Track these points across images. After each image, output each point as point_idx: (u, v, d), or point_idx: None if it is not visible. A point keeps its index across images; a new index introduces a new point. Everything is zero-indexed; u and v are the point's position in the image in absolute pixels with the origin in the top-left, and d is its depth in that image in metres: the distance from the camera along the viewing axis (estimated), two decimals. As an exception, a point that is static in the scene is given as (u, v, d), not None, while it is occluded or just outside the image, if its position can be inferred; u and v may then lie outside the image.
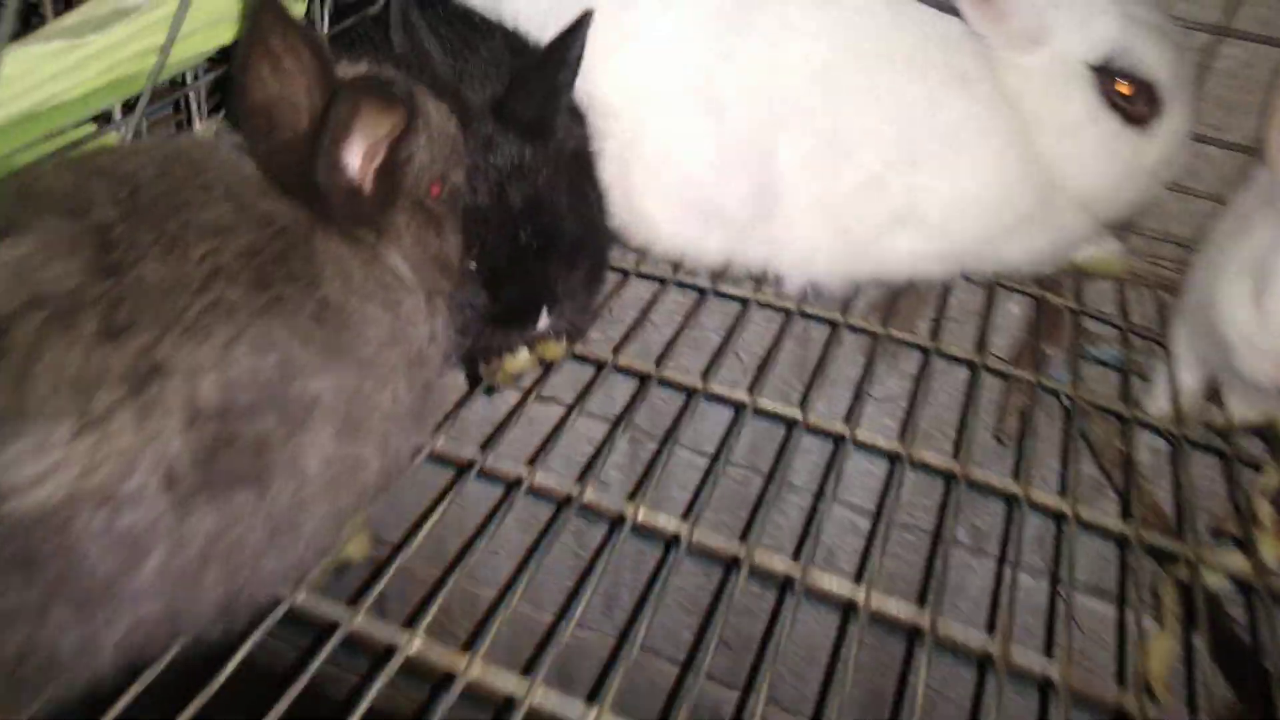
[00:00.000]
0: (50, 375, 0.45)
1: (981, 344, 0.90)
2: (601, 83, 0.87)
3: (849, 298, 0.97)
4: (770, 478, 1.02)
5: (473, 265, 0.74)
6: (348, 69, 0.64)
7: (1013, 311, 1.12)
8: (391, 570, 0.63)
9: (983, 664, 0.84)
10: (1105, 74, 0.87)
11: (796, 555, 0.64)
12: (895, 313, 0.97)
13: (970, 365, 0.88)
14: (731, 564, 0.64)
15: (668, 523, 0.66)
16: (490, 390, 0.83)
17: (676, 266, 0.97)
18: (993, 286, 1.00)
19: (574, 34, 0.75)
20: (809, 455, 1.22)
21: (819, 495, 0.93)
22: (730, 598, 0.61)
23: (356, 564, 0.69)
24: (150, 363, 0.47)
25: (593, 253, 0.83)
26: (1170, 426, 0.86)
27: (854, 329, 0.92)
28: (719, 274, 0.97)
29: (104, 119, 0.68)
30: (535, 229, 0.76)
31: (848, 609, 0.56)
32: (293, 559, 0.59)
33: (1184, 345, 0.89)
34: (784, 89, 0.86)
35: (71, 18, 0.64)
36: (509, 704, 0.54)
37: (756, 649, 1.37)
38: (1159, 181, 0.94)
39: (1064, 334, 0.97)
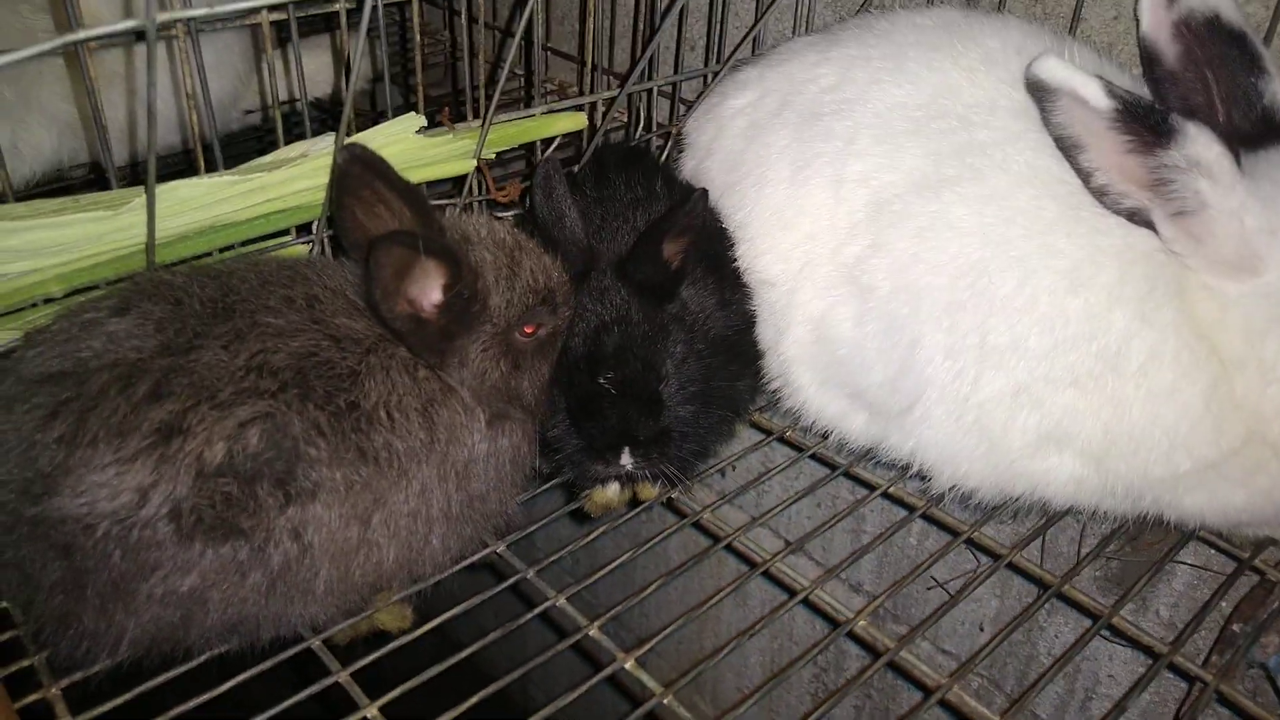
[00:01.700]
0: (100, 419, 0.62)
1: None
2: (764, 254, 0.91)
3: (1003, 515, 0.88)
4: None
5: (561, 399, 0.82)
6: (448, 218, 0.76)
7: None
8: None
9: None
10: (1336, 315, 0.72)
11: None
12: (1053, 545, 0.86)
13: (1152, 654, 0.75)
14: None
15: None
16: (584, 517, 0.90)
17: (825, 436, 0.96)
18: (1158, 560, 0.84)
19: (678, 211, 0.81)
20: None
21: None
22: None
23: (395, 634, 0.78)
24: (177, 424, 0.62)
25: (702, 413, 0.85)
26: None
27: (973, 545, 0.84)
28: (862, 455, 0.94)
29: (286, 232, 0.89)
30: (621, 376, 0.81)
31: None
32: (303, 609, 0.70)
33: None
34: (938, 278, 0.83)
35: (249, 164, 0.85)
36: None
37: None
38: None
39: (1258, 607, 0.79)
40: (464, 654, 0.73)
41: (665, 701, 0.70)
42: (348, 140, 0.79)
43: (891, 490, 0.92)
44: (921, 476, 0.90)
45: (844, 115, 0.89)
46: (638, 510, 0.89)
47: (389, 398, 0.70)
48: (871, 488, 0.92)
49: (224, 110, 1.32)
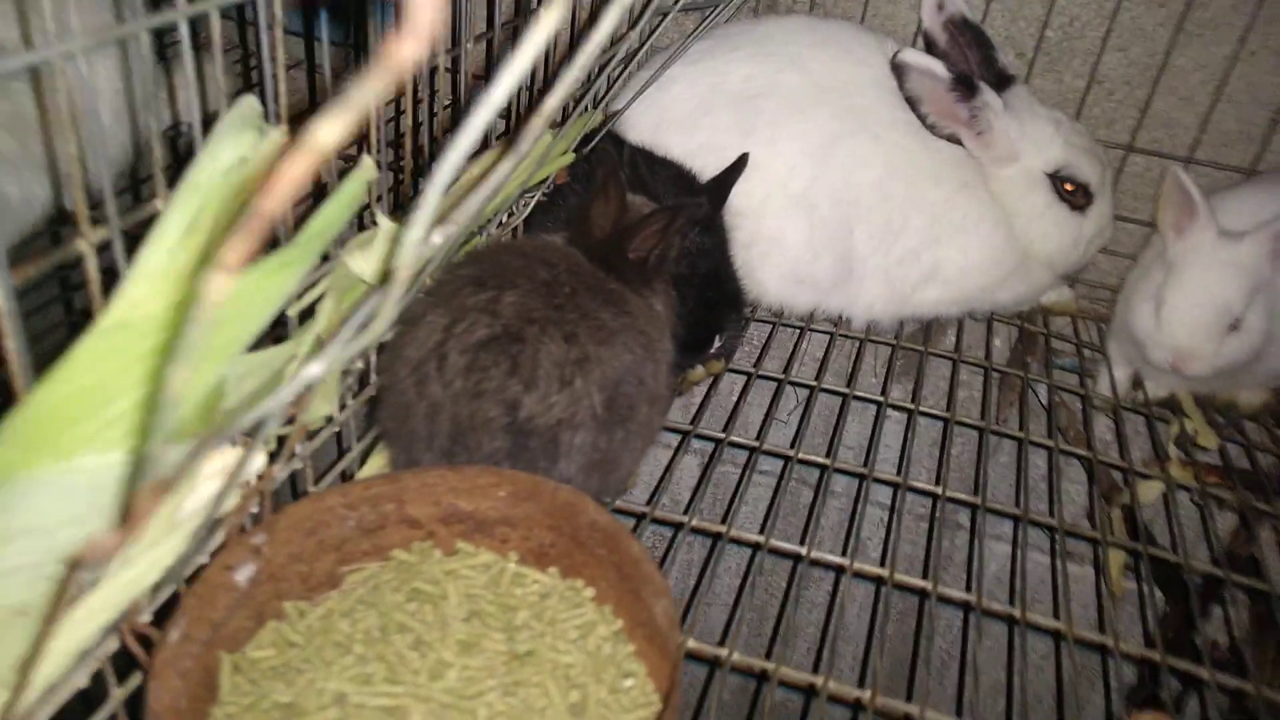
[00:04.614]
0: (546, 359, 0.89)
1: (988, 355, 1.37)
2: (737, 195, 1.34)
3: (899, 330, 1.44)
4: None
5: (680, 310, 1.19)
6: (634, 199, 1.10)
7: (1000, 338, 1.60)
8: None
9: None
10: (1057, 179, 1.36)
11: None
12: (929, 338, 1.44)
13: (984, 369, 1.35)
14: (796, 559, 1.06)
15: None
16: (678, 394, 1.28)
17: (779, 314, 1.44)
18: (990, 321, 1.48)
19: (738, 167, 1.22)
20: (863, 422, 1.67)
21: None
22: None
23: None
24: (586, 354, 0.91)
25: (738, 301, 1.28)
26: (1112, 404, 1.33)
27: (904, 348, 1.39)
28: (808, 318, 1.44)
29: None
30: (711, 288, 1.21)
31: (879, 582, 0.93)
32: (624, 472, 1.02)
33: (1116, 351, 1.37)
34: (857, 194, 1.33)
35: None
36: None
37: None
38: (1095, 248, 1.43)
39: (1039, 351, 1.45)
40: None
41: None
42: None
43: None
44: (842, 320, 1.42)
45: (766, 96, 1.35)
46: (715, 381, 1.30)
47: (642, 316, 1.02)
48: (830, 335, 1.42)
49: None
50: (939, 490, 1.06)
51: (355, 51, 1.54)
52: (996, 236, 1.36)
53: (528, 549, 0.83)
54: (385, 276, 0.46)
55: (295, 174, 0.26)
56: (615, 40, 1.19)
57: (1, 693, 0.50)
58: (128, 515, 0.35)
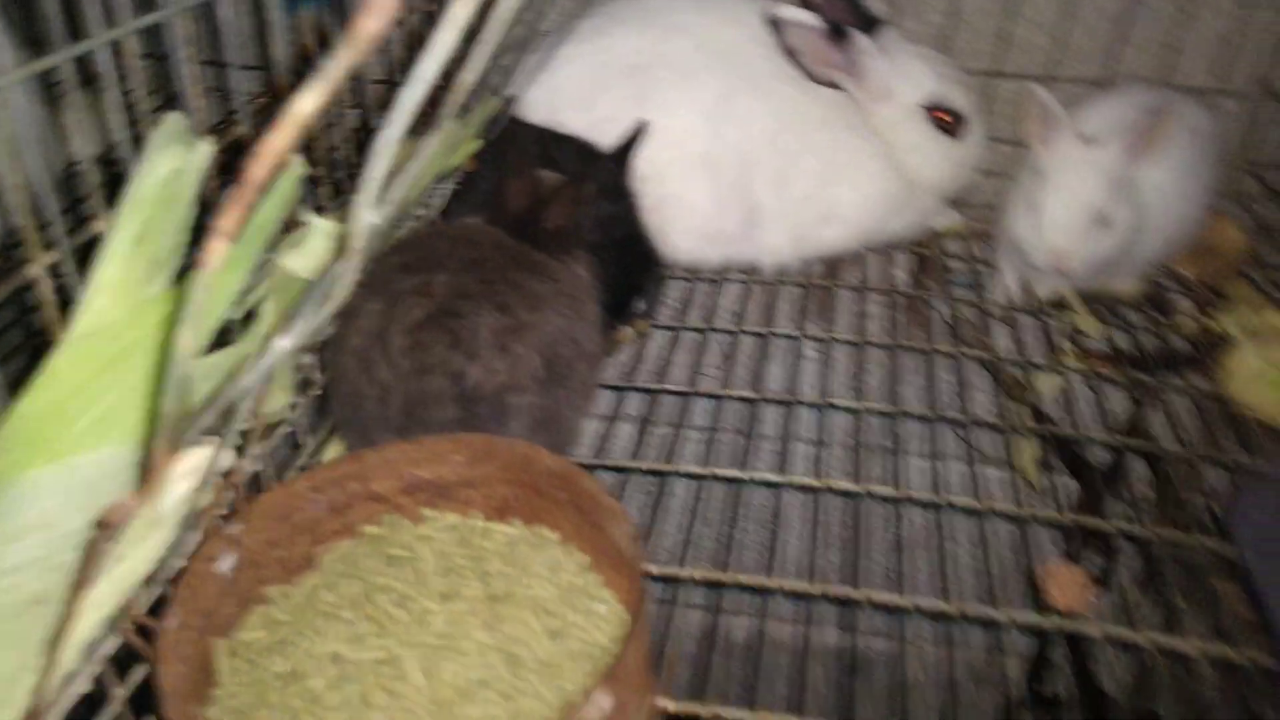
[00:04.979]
0: (484, 329, 0.95)
1: (886, 280, 1.47)
2: (639, 161, 1.41)
3: (807, 270, 1.53)
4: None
5: (601, 275, 1.26)
6: (544, 175, 1.16)
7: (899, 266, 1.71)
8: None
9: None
10: (931, 110, 1.46)
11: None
12: (836, 272, 1.53)
13: (888, 293, 1.45)
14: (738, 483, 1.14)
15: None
16: (610, 354, 1.35)
17: (693, 271, 1.52)
18: (889, 251, 1.58)
19: (637, 134, 1.29)
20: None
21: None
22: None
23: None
24: (521, 322, 0.97)
25: (654, 263, 1.36)
26: (1005, 307, 1.45)
27: (814, 286, 1.48)
28: (721, 271, 1.52)
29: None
30: (626, 253, 1.28)
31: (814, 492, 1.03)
32: (569, 429, 1.08)
33: (1005, 261, 1.48)
34: (753, 148, 1.41)
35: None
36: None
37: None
38: (974, 170, 1.54)
39: (936, 272, 1.55)
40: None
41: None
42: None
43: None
44: (758, 270, 1.51)
45: (655, 65, 1.41)
46: (639, 338, 1.37)
47: (566, 282, 1.09)
48: (744, 284, 1.50)
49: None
50: (859, 406, 1.15)
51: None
52: (883, 170, 1.45)
53: (490, 505, 0.90)
54: (341, 250, 0.52)
55: (280, 143, 0.32)
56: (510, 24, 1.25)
57: (29, 676, 0.55)
58: (146, 473, 0.40)
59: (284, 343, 0.54)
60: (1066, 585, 0.91)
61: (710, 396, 1.20)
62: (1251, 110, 1.60)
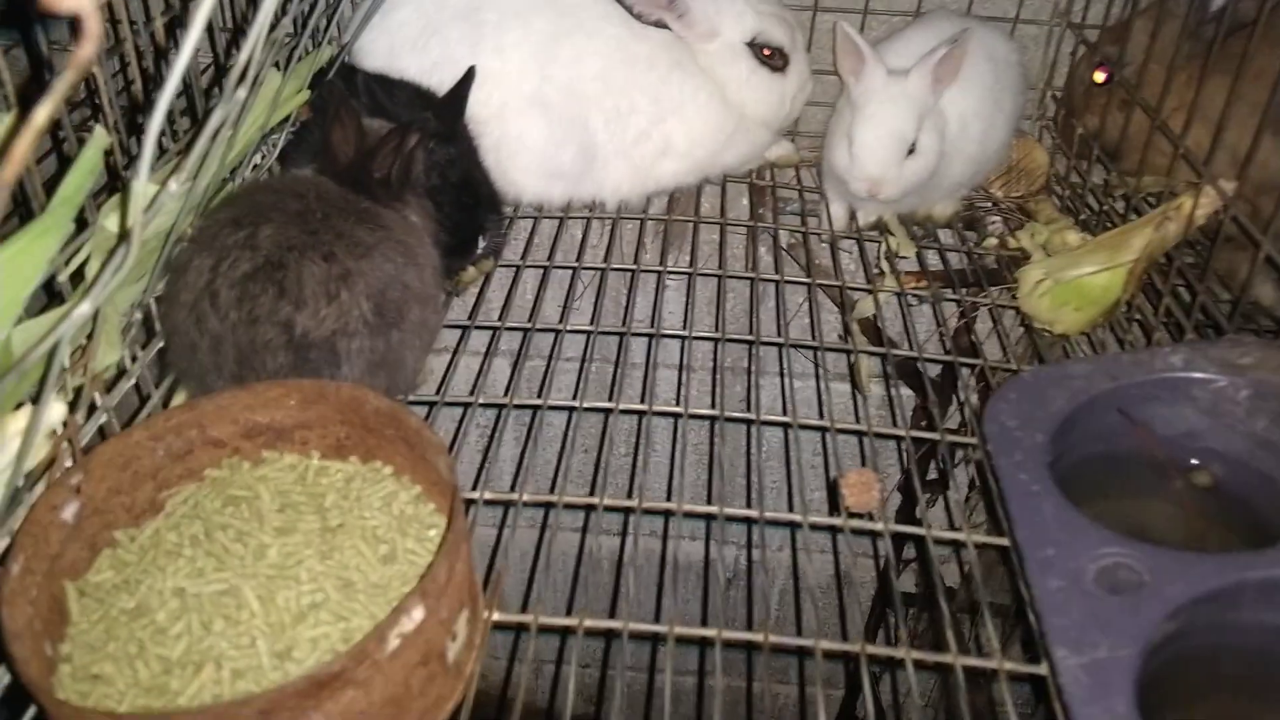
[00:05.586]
0: (310, 279, 0.99)
1: (723, 211, 1.56)
2: (476, 104, 1.45)
3: (647, 205, 1.60)
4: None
5: (439, 218, 1.31)
6: (370, 123, 1.19)
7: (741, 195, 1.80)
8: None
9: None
10: (754, 46, 1.52)
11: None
12: (676, 206, 1.61)
13: (719, 226, 1.53)
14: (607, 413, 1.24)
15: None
16: (455, 294, 1.41)
17: (540, 208, 1.57)
18: (724, 182, 1.66)
19: (468, 80, 1.33)
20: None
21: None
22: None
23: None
24: (347, 269, 1.02)
25: (494, 202, 1.41)
26: (832, 232, 1.55)
27: (656, 219, 1.56)
28: (565, 208, 1.58)
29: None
30: (465, 194, 1.33)
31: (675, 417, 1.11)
32: (411, 369, 1.14)
33: (830, 189, 1.58)
34: (583, 87, 1.46)
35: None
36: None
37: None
38: (800, 102, 1.62)
39: (770, 200, 1.65)
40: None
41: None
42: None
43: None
44: (601, 205, 1.58)
45: (487, 9, 1.45)
46: (487, 280, 1.43)
47: (398, 227, 1.13)
48: (586, 220, 1.56)
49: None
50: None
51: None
52: (712, 105, 1.52)
53: (327, 445, 0.96)
54: (121, 226, 0.57)
55: (21, 150, 0.37)
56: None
57: None
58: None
59: (84, 308, 0.58)
60: (856, 488, 1.02)
61: (580, 332, 1.28)
62: (1052, 38, 1.72)
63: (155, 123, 0.50)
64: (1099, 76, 1.59)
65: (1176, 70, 1.36)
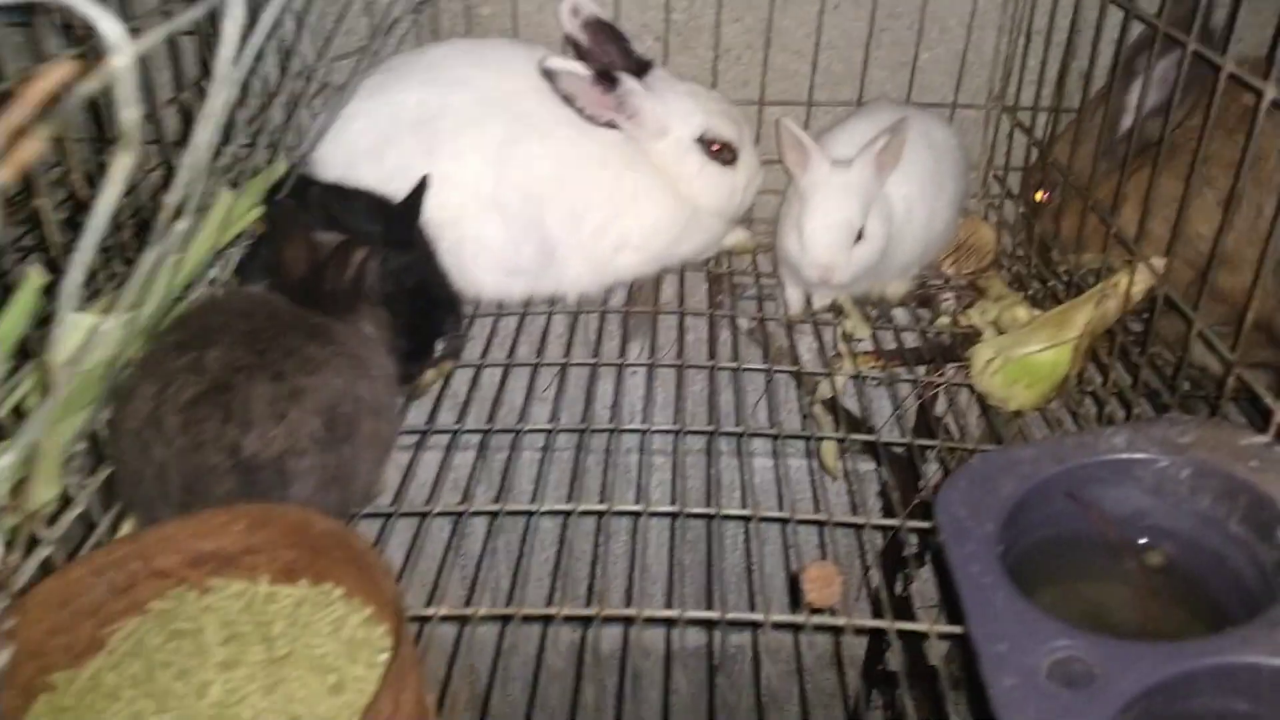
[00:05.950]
0: (258, 400, 0.99)
1: (681, 300, 1.58)
2: (434, 208, 1.47)
3: (608, 297, 1.62)
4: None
5: (395, 325, 1.31)
6: (322, 237, 1.21)
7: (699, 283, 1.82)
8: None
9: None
10: (703, 142, 1.55)
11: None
12: (638, 295, 1.63)
13: (679, 315, 1.55)
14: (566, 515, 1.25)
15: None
16: (414, 398, 1.41)
17: (500, 305, 1.59)
18: (682, 271, 1.69)
19: (420, 190, 1.35)
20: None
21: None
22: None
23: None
24: (297, 387, 1.02)
25: (454, 303, 1.42)
26: (789, 317, 1.57)
27: (616, 311, 1.58)
28: (526, 304, 1.59)
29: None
30: (421, 299, 1.34)
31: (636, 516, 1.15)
32: (365, 481, 1.13)
33: (784, 273, 1.60)
34: (538, 187, 1.48)
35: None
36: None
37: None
38: (751, 192, 1.65)
39: (728, 287, 1.67)
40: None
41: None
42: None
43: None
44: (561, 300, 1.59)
45: (441, 117, 1.48)
46: (448, 380, 1.43)
47: (351, 340, 1.14)
48: (549, 315, 1.58)
49: None
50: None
51: None
52: (666, 200, 1.55)
53: (276, 569, 0.95)
54: (46, 370, 0.57)
55: None
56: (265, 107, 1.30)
57: None
58: None
59: (4, 461, 0.58)
60: (818, 582, 1.01)
61: (540, 431, 1.28)
62: (990, 120, 1.77)
63: (80, 260, 0.50)
64: (1040, 196, 1.65)
65: (1097, 184, 1.42)
